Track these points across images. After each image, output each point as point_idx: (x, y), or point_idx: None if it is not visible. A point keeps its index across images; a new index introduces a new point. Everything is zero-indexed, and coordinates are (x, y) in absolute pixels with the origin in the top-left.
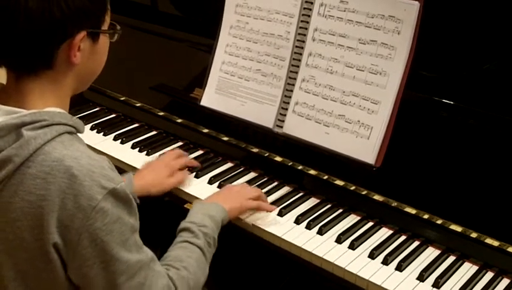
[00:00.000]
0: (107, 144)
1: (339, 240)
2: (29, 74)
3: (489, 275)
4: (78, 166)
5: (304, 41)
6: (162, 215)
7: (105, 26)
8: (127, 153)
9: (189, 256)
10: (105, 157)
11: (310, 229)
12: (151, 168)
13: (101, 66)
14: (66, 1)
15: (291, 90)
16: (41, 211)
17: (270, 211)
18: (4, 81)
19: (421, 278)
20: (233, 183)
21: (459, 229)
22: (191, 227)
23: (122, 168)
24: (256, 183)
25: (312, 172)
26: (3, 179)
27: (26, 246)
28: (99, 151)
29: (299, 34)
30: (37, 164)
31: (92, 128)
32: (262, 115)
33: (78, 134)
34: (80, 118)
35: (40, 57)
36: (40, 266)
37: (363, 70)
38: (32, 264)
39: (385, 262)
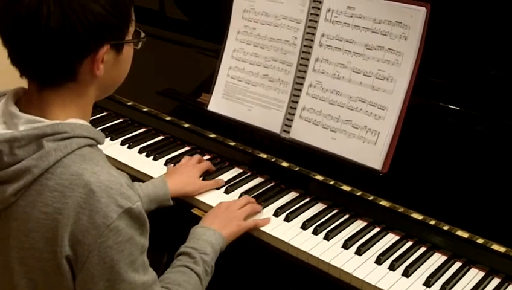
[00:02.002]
0: (114, 148)
1: (346, 245)
2: (52, 86)
3: (495, 281)
4: (97, 182)
5: (310, 47)
6: (169, 220)
7: (129, 36)
8: (134, 157)
9: (188, 281)
10: (125, 173)
11: (316, 234)
12: (179, 170)
13: (125, 74)
14: (89, 18)
15: (298, 96)
16: (57, 224)
17: (267, 224)
18: (25, 85)
19: (428, 284)
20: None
21: (465, 235)
22: (192, 253)
23: (129, 173)
24: (263, 189)
25: (319, 177)
26: (21, 189)
27: (39, 256)
28: (107, 156)
29: (306, 39)
30: (56, 176)
31: None
32: (269, 120)
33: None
34: None
35: (63, 71)
36: (52, 277)
37: (370, 76)
38: (44, 275)
39: (392, 268)
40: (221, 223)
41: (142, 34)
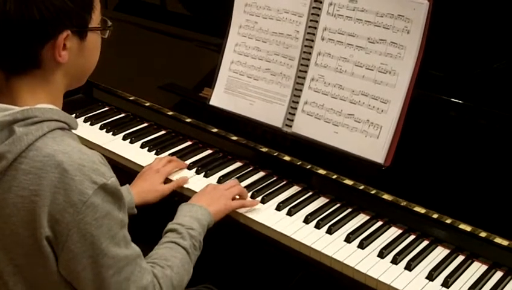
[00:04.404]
0: (116, 143)
1: (348, 239)
2: (18, 73)
3: (498, 274)
4: (69, 161)
5: (313, 41)
6: (171, 215)
7: (93, 24)
8: (136, 152)
9: (175, 256)
10: (97, 152)
11: (319, 228)
12: (143, 177)
13: (94, 63)
14: (45, 3)
15: (301, 90)
16: (34, 206)
17: (254, 205)
18: None
19: (430, 277)
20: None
21: (468, 228)
22: (178, 229)
23: (131, 167)
24: (265, 183)
25: (321, 171)
26: None
27: (21, 241)
28: (109, 151)
29: (308, 33)
30: (29, 159)
31: (101, 128)
32: (272, 115)
33: (72, 130)
34: (89, 117)
35: (25, 57)
36: (36, 261)
37: (372, 70)
38: (28, 259)
39: (394, 261)
40: (207, 200)
41: (109, 23)
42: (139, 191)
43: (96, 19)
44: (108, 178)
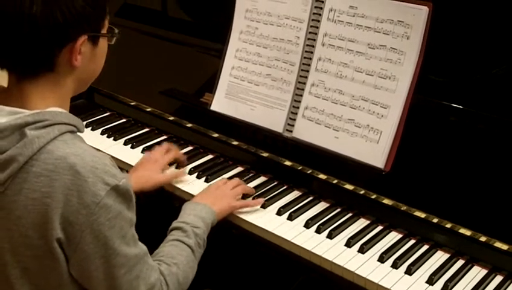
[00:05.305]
0: (118, 148)
1: (349, 243)
2: (31, 77)
3: (498, 278)
4: (82, 163)
5: (313, 46)
6: (171, 220)
7: (104, 30)
8: (137, 157)
9: (180, 254)
10: (107, 154)
11: (319, 233)
12: (142, 166)
13: (100, 68)
14: (69, 6)
15: (301, 95)
16: (46, 208)
17: (258, 205)
18: (5, 84)
19: (431, 281)
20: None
21: (468, 233)
22: (183, 227)
23: None
24: (266, 188)
25: (322, 176)
26: (8, 178)
27: (30, 243)
28: (110, 156)
29: (308, 39)
30: (41, 162)
31: (102, 133)
32: (272, 120)
33: (79, 133)
34: (90, 122)
35: (42, 60)
36: (45, 263)
37: (372, 75)
38: (37, 262)
39: (395, 266)
40: (211, 199)
41: (116, 30)
42: (138, 176)
43: (106, 25)
44: (120, 179)
